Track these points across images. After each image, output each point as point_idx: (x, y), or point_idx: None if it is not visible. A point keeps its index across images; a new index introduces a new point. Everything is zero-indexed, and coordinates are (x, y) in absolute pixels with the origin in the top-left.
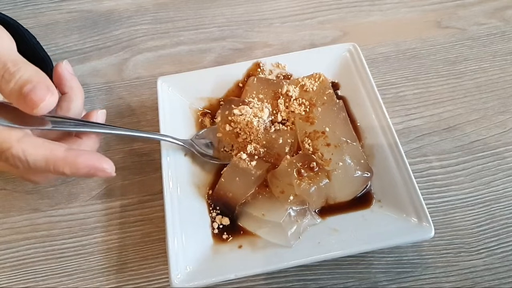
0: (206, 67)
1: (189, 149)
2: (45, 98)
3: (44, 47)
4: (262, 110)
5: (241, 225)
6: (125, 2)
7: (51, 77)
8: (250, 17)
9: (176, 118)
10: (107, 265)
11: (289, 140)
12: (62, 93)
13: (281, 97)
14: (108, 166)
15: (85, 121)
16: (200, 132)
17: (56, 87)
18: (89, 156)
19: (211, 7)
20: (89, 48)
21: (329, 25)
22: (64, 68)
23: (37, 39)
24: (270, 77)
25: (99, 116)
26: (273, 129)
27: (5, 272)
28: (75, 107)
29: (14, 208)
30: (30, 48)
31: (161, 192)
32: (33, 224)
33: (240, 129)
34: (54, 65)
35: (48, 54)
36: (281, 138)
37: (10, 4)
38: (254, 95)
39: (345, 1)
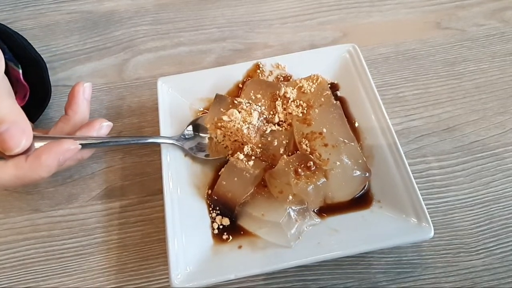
0: (206, 68)
1: (181, 147)
2: (20, 144)
3: (44, 48)
4: (251, 114)
5: (241, 225)
6: (126, 3)
7: (45, 79)
8: (250, 18)
9: (176, 118)
10: (107, 266)
11: (284, 142)
12: (65, 112)
13: (279, 99)
14: (68, 145)
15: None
16: (189, 129)
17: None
18: (47, 150)
19: (212, 8)
20: (90, 49)
21: (329, 26)
22: (80, 91)
23: (38, 40)
24: (270, 78)
25: (103, 128)
26: (268, 130)
27: (5, 273)
28: (68, 131)
29: (14, 209)
30: (22, 50)
31: (161, 192)
32: (33, 225)
33: (231, 133)
34: (47, 65)
35: (49, 55)
36: (276, 140)
37: (10, 5)
38: (252, 95)
39: (345, 2)
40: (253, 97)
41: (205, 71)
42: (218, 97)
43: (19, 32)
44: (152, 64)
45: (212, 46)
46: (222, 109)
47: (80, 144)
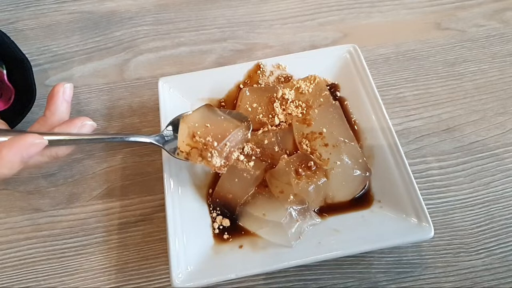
0: (207, 68)
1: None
2: None
3: (45, 48)
4: (210, 161)
5: (241, 225)
6: (126, 3)
7: (30, 78)
8: (250, 19)
9: None
10: (108, 265)
11: (273, 139)
12: (44, 113)
13: (276, 101)
14: (32, 139)
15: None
16: (168, 129)
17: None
18: (9, 144)
19: (212, 8)
20: (91, 49)
21: (329, 26)
22: (60, 91)
23: (39, 40)
24: (271, 78)
25: (86, 126)
26: (260, 131)
27: (6, 272)
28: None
29: (15, 208)
30: (5, 48)
31: (162, 192)
32: (34, 224)
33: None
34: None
35: (50, 55)
36: (266, 139)
37: (11, 5)
38: (248, 107)
39: (345, 2)
40: (249, 109)
41: (206, 71)
42: (180, 124)
43: (20, 32)
44: (153, 64)
45: (213, 46)
46: (186, 144)
47: (49, 139)
